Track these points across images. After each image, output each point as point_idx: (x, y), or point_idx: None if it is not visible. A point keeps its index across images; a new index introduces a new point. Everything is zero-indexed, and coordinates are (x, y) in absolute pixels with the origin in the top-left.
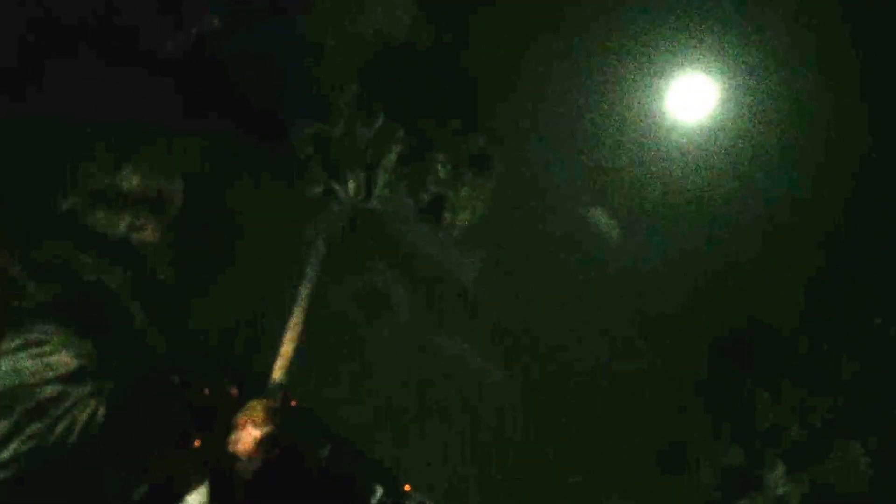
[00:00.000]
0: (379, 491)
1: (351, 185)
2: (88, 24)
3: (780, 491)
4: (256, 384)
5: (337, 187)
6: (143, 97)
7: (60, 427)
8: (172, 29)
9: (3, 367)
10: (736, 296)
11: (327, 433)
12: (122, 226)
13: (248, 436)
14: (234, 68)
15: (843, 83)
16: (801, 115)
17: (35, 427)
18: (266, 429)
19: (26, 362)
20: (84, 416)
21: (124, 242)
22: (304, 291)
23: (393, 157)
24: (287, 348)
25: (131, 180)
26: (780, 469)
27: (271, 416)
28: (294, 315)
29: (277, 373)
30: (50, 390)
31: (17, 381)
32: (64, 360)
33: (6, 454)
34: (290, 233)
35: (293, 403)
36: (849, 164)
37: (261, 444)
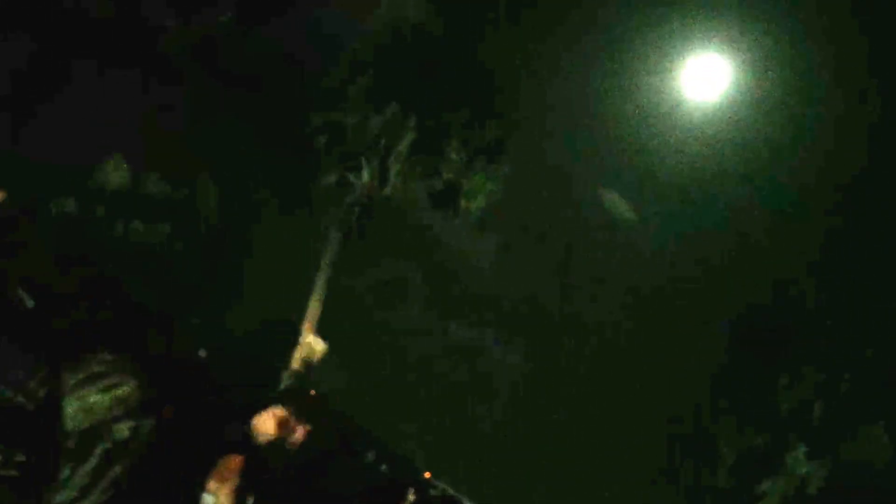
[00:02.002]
0: (402, 483)
1: (365, 173)
2: (98, 23)
3: (803, 472)
4: (275, 374)
5: (351, 176)
6: (155, 93)
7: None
8: (182, 24)
9: (74, 405)
10: (754, 276)
11: (345, 421)
12: (159, 237)
13: (267, 419)
14: (248, 62)
15: (858, 64)
16: (816, 94)
17: (116, 470)
18: (283, 412)
19: (95, 397)
20: (149, 448)
21: (152, 252)
22: (320, 281)
23: (406, 145)
24: (305, 337)
25: (161, 187)
26: (802, 451)
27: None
28: (311, 304)
29: (296, 362)
30: (125, 427)
31: (91, 420)
32: (130, 392)
33: (88, 502)
34: (307, 222)
35: (312, 392)
36: (865, 142)
37: (280, 425)
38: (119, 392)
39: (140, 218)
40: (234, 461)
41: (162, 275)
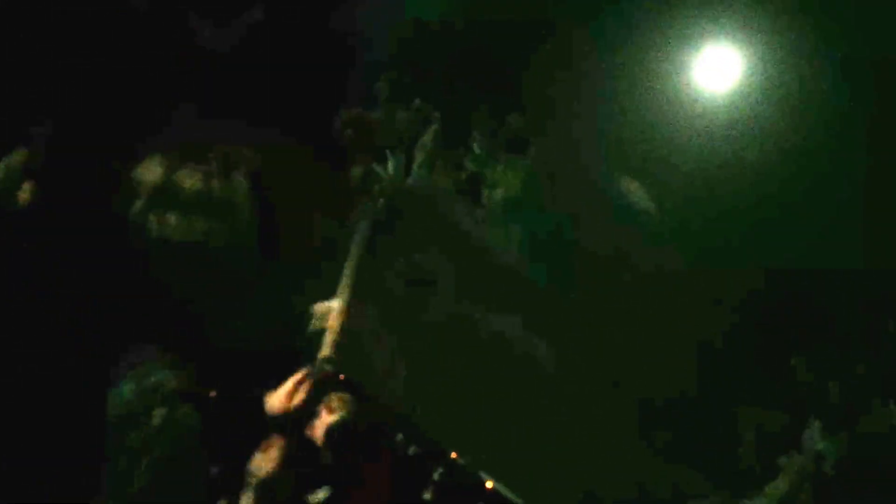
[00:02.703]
0: (431, 460)
1: (390, 166)
2: (135, 22)
3: (819, 447)
4: (307, 360)
5: (378, 168)
6: (188, 90)
7: (171, 452)
8: (215, 23)
9: (111, 397)
10: (768, 257)
11: (374, 405)
12: (197, 235)
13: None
14: (280, 60)
15: (873, 51)
16: (830, 81)
17: (151, 457)
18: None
19: (128, 386)
20: (186, 435)
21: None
22: (349, 271)
23: (431, 137)
24: (334, 325)
25: (195, 180)
26: (818, 427)
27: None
28: (340, 294)
29: (326, 349)
30: (158, 415)
31: (125, 410)
32: (163, 380)
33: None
34: (335, 215)
35: (341, 377)
36: (884, 130)
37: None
38: (152, 380)
39: (176, 212)
40: (277, 442)
41: (195, 268)
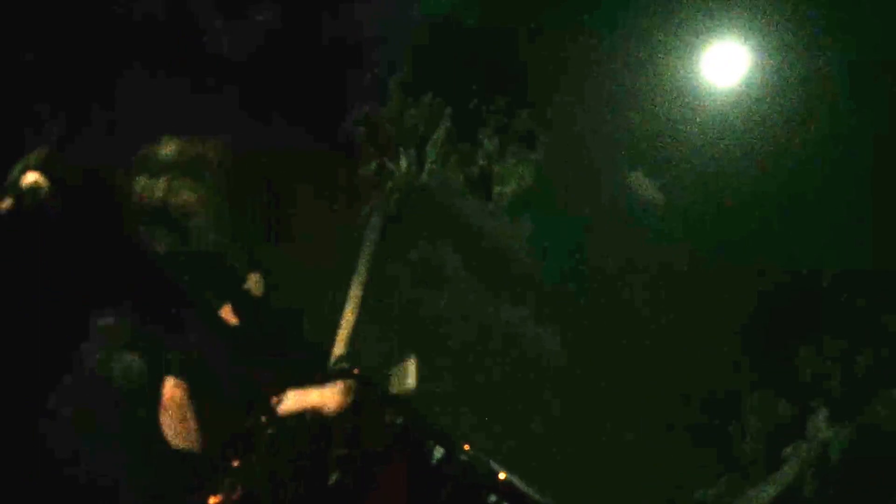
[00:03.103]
0: (439, 451)
1: (403, 161)
2: (140, 25)
3: (824, 436)
4: (321, 355)
5: (390, 165)
6: (200, 91)
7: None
8: (225, 25)
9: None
10: (775, 250)
11: (387, 398)
12: (159, 191)
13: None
14: (291, 59)
15: (875, 52)
16: (837, 77)
17: (90, 391)
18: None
19: (94, 350)
20: (137, 383)
21: (164, 210)
22: (361, 265)
23: (441, 133)
24: (347, 320)
25: (169, 147)
26: (824, 416)
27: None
28: (353, 289)
29: (339, 344)
30: (92, 351)
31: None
32: (110, 326)
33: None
34: (348, 209)
35: (356, 371)
36: (887, 124)
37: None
38: (99, 323)
39: (145, 175)
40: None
41: (169, 237)
